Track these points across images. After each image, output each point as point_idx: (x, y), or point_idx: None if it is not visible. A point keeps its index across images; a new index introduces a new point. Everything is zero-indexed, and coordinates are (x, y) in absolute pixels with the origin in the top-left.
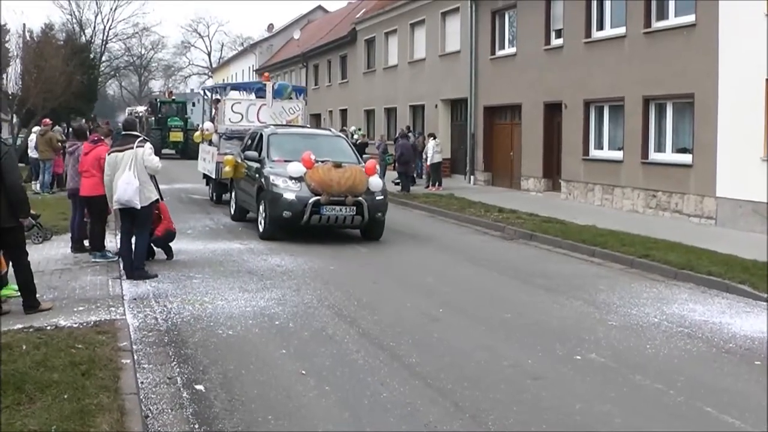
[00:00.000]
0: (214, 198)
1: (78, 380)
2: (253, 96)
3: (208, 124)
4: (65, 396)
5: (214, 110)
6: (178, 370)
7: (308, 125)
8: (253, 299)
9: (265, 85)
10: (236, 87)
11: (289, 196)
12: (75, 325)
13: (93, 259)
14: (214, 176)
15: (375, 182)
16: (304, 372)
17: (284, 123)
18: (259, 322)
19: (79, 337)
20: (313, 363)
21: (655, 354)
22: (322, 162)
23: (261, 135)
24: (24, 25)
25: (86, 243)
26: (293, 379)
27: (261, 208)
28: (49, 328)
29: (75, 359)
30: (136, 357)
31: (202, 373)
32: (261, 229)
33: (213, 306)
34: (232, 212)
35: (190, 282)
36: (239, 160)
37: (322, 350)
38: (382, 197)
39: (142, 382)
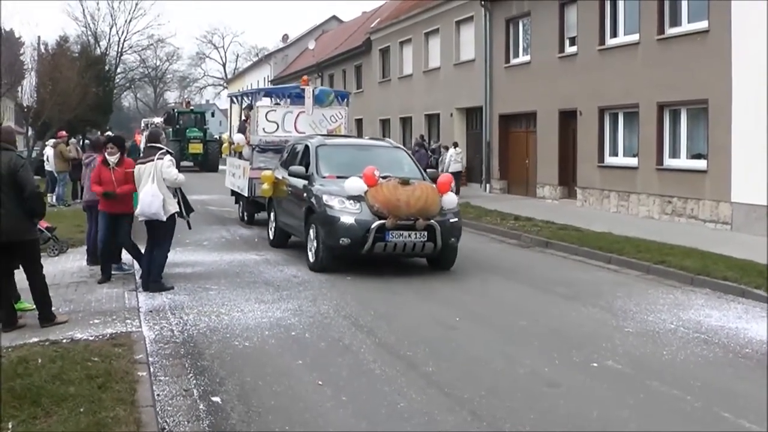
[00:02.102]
0: (245, 218)
1: (94, 393)
2: (288, 102)
3: (238, 136)
4: (81, 409)
5: (244, 119)
6: (194, 382)
7: (355, 135)
8: (270, 310)
9: (303, 90)
10: (269, 93)
11: (348, 219)
12: (91, 338)
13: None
14: (246, 194)
15: (450, 200)
16: (320, 382)
17: (326, 133)
18: (275, 333)
19: (95, 350)
20: (330, 373)
21: (671, 360)
22: (385, 178)
23: (307, 147)
24: (39, 37)
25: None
26: (310, 389)
27: (311, 233)
28: (65, 341)
29: (91, 372)
30: (152, 369)
31: (218, 384)
32: (312, 259)
33: (229, 317)
34: (271, 237)
35: (206, 293)
36: (279, 177)
37: (339, 360)
38: (456, 219)
39: (158, 395)
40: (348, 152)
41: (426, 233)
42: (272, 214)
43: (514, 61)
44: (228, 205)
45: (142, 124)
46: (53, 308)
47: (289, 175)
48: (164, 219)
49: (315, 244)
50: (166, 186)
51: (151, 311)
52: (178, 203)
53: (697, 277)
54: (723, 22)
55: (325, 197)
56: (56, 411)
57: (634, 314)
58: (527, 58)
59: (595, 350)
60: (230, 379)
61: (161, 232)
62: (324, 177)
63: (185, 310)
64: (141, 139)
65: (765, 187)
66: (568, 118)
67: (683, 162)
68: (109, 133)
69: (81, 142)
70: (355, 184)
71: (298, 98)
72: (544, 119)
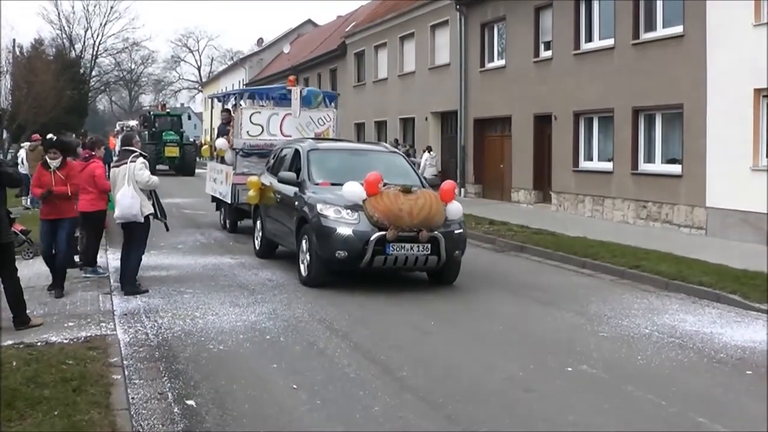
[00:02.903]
0: (227, 226)
1: (69, 396)
2: (271, 104)
3: (221, 141)
4: (56, 412)
5: (224, 122)
6: (169, 385)
7: (346, 138)
8: (244, 314)
9: (289, 91)
10: (253, 94)
11: (345, 230)
12: (66, 341)
13: (84, 275)
14: (229, 200)
15: (454, 210)
16: (295, 386)
17: (313, 136)
18: (250, 336)
19: (70, 353)
20: (305, 377)
21: (646, 365)
22: (384, 186)
23: (297, 152)
24: (14, 40)
25: (76, 258)
26: (285, 393)
27: (303, 245)
28: (39, 344)
29: (66, 375)
30: (127, 372)
31: (193, 388)
32: (303, 273)
33: (204, 321)
34: (257, 247)
35: (181, 297)
36: (266, 183)
37: (314, 364)
38: (461, 230)
39: (133, 398)
40: (342, 157)
41: (429, 246)
42: (258, 223)
43: (489, 66)
44: (202, 209)
45: (117, 127)
46: (28, 311)
47: (279, 181)
48: (142, 221)
49: (308, 257)
50: (140, 188)
51: (125, 314)
52: (153, 205)
53: (672, 281)
54: (698, 27)
55: (319, 206)
56: (31, 414)
57: (609, 319)
58: (502, 62)
59: (570, 355)
60: (205, 382)
61: (137, 233)
62: (317, 184)
63: (160, 314)
64: (116, 143)
65: (740, 192)
66: (543, 123)
67: (658, 167)
68: (51, 136)
69: None
70: (353, 192)
71: (282, 100)
72: (519, 124)
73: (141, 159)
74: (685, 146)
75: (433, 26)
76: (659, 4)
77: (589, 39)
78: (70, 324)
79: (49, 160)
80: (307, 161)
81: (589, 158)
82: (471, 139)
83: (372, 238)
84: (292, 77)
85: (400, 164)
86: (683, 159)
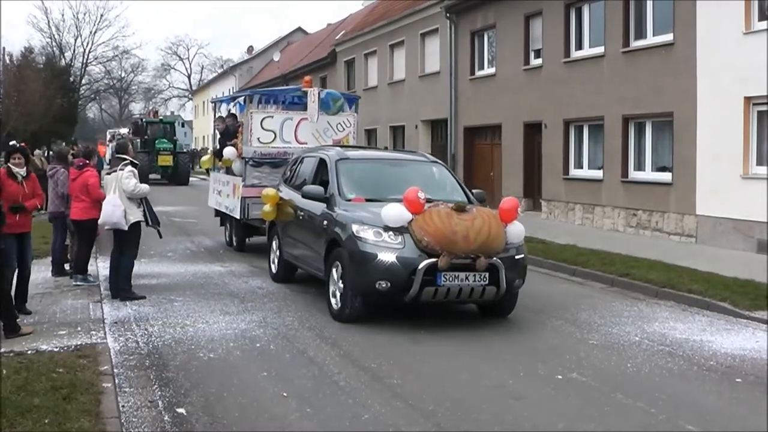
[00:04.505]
0: (235, 244)
1: (59, 404)
2: (279, 107)
3: (229, 150)
4: (46, 420)
5: (235, 125)
6: (159, 393)
7: (379, 147)
8: (234, 322)
9: (305, 93)
10: (263, 96)
11: (388, 257)
12: (56, 349)
13: (74, 283)
14: (237, 216)
15: (516, 232)
16: (285, 394)
17: (331, 143)
18: (240, 344)
19: (60, 361)
20: (295, 385)
21: (636, 372)
22: (431, 203)
23: (322, 161)
24: (3, 48)
25: (67, 267)
26: (275, 401)
27: (335, 273)
28: (29, 352)
29: (56, 383)
30: (117, 381)
31: (183, 396)
32: (335, 307)
33: (194, 329)
34: (274, 270)
35: (171, 305)
36: (284, 196)
37: (304, 372)
38: (521, 256)
39: (123, 406)
40: (376, 168)
41: (487, 275)
42: (275, 243)
43: (479, 74)
44: (193, 217)
45: (108, 135)
46: (18, 319)
47: (303, 196)
48: (125, 228)
49: (340, 288)
50: (127, 197)
51: (116, 322)
52: (144, 213)
53: (662, 289)
54: (688, 35)
55: (355, 227)
56: (21, 422)
57: (599, 327)
58: (492, 70)
59: (560, 363)
60: (195, 390)
61: (126, 241)
62: (349, 200)
63: (150, 322)
64: (106, 151)
65: (731, 200)
66: (533, 131)
67: (648, 175)
68: (14, 142)
69: (46, 154)
70: (396, 211)
71: (294, 104)
72: (509, 131)
73: (129, 167)
74: (675, 154)
75: (423, 34)
76: (649, 12)
77: (579, 47)
78: (61, 332)
79: (14, 168)
80: (335, 173)
81: (580, 166)
82: (461, 147)
83: (420, 266)
84: (308, 78)
85: (444, 176)
86: (673, 167)
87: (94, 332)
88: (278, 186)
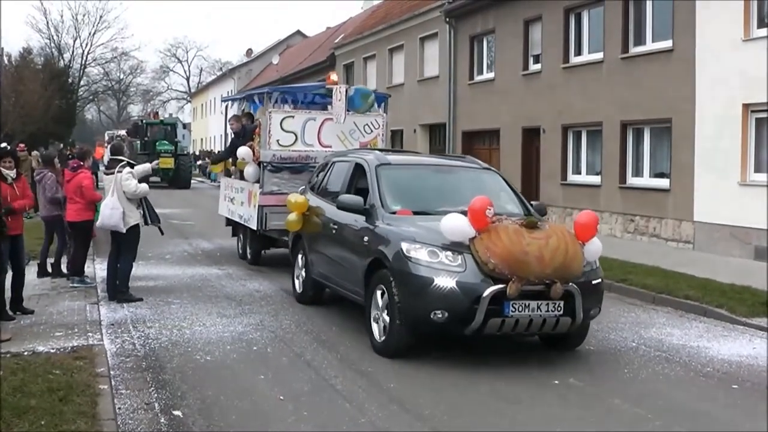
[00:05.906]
0: (249, 257)
1: (56, 406)
2: (293, 106)
3: (244, 150)
4: (43, 422)
5: (236, 130)
6: (155, 395)
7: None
8: (231, 324)
9: (329, 91)
10: (283, 93)
11: (446, 282)
12: (52, 351)
13: (71, 285)
14: (254, 226)
15: (594, 252)
16: (282, 397)
17: (358, 146)
18: (237, 347)
19: (57, 362)
20: (292, 388)
21: (633, 378)
22: (495, 218)
23: (359, 166)
24: (2, 49)
25: (63, 269)
26: (272, 404)
27: (379, 298)
28: (26, 353)
29: (52, 385)
30: (113, 383)
31: (180, 398)
32: (379, 338)
33: (191, 331)
34: (298, 290)
35: (168, 307)
36: (311, 205)
37: (301, 375)
38: (599, 280)
39: (119, 408)
40: (422, 175)
41: (562, 303)
42: (301, 258)
43: (478, 78)
44: (190, 219)
45: (107, 137)
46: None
47: (338, 207)
48: (123, 231)
49: (386, 316)
50: (127, 198)
51: (112, 324)
52: (144, 214)
53: (659, 295)
54: (687, 42)
55: (404, 245)
56: (17, 424)
57: (596, 332)
58: (491, 75)
59: (556, 367)
60: (192, 393)
61: (124, 243)
62: (393, 212)
63: (147, 324)
64: (103, 152)
65: (728, 207)
66: (531, 136)
67: (646, 180)
68: (4, 145)
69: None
70: (459, 223)
71: (314, 103)
72: (508, 136)
73: (128, 169)
74: (673, 160)
75: (422, 38)
76: (648, 18)
77: (578, 52)
78: (57, 334)
79: (4, 171)
80: (376, 180)
81: (578, 171)
82: (459, 151)
83: (485, 294)
84: (333, 74)
85: (501, 186)
86: (671, 173)
87: (90, 334)
88: (303, 194)
